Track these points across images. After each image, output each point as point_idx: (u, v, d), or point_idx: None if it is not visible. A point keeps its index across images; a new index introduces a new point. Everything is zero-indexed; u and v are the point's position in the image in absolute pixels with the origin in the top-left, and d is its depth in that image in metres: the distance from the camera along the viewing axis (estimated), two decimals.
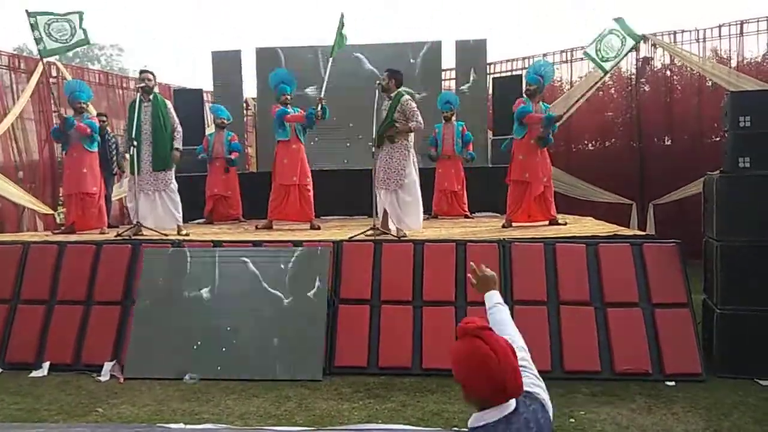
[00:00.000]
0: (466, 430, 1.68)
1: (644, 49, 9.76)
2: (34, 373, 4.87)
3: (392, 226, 6.04)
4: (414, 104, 6.03)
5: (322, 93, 6.76)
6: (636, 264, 4.96)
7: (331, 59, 6.70)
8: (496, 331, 1.72)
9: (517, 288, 4.92)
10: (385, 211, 6.12)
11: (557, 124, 6.70)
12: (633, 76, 10.07)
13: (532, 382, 1.76)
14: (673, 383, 4.44)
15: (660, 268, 4.92)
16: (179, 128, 6.58)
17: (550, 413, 1.72)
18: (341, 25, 6.63)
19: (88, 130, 6.75)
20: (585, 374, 4.55)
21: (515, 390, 1.62)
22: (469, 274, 2.21)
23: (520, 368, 1.67)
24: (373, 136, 6.05)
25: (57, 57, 10.06)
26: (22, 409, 4.17)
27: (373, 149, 6.05)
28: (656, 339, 4.66)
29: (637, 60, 9.86)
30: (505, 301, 5.19)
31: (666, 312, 4.75)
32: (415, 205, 6.05)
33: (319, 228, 6.97)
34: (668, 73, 9.96)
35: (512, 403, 1.63)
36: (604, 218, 7.71)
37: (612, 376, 4.54)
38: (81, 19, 6.52)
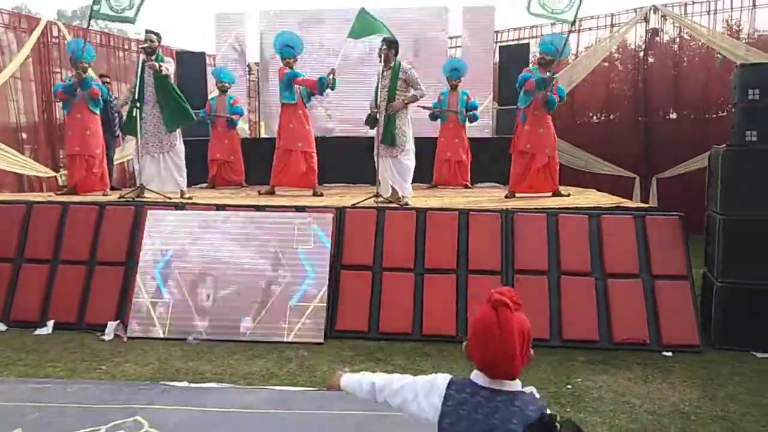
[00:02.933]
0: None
1: (654, 21, 9.60)
2: (39, 331, 4.93)
3: (389, 191, 6.12)
4: (415, 72, 6.14)
5: (336, 64, 6.60)
6: (638, 236, 4.98)
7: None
8: None
9: (518, 257, 4.94)
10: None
11: (554, 84, 6.37)
12: (639, 49, 9.93)
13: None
14: (670, 354, 4.50)
15: (662, 241, 4.94)
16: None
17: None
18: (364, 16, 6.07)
19: (99, 93, 6.82)
20: (583, 343, 4.60)
21: (504, 373, 1.59)
22: None
23: None
24: (377, 105, 6.01)
25: (57, 17, 9.85)
26: (27, 365, 4.23)
27: (377, 116, 6.03)
28: (655, 310, 4.70)
29: (647, 31, 9.71)
30: (506, 271, 5.21)
31: (666, 283, 4.79)
32: (411, 172, 6.18)
33: (321, 195, 6.97)
34: (675, 46, 9.82)
35: (510, 384, 1.60)
36: (607, 191, 7.70)
37: (610, 345, 4.59)
38: None
